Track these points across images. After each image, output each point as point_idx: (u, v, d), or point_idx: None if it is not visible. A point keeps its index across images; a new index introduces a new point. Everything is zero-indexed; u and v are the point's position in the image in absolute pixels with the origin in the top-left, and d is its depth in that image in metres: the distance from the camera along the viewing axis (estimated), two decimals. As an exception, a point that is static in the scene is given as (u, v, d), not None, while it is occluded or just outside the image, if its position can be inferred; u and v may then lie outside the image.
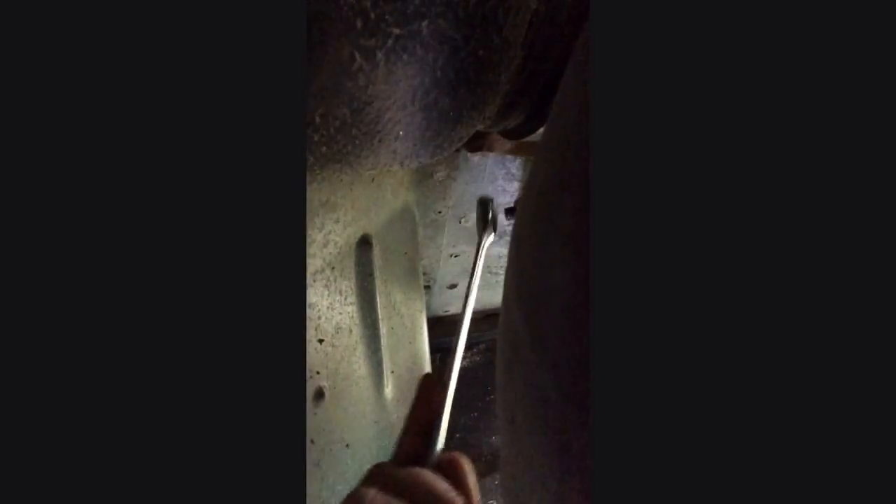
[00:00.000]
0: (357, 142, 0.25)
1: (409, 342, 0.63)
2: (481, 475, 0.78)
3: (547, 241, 0.20)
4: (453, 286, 0.87)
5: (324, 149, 0.24)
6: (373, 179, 0.52)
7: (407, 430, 0.34)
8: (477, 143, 0.59)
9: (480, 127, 0.36)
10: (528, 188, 0.24)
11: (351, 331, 0.52)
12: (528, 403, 0.21)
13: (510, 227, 0.69)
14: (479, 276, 0.50)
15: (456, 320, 0.99)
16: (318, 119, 0.23)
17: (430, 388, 0.36)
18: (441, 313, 0.95)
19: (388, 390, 0.59)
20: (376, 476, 0.30)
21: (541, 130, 0.40)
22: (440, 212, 0.70)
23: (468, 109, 0.30)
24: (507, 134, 0.40)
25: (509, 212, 0.63)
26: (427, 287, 0.83)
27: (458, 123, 0.30)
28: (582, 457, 0.18)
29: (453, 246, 0.77)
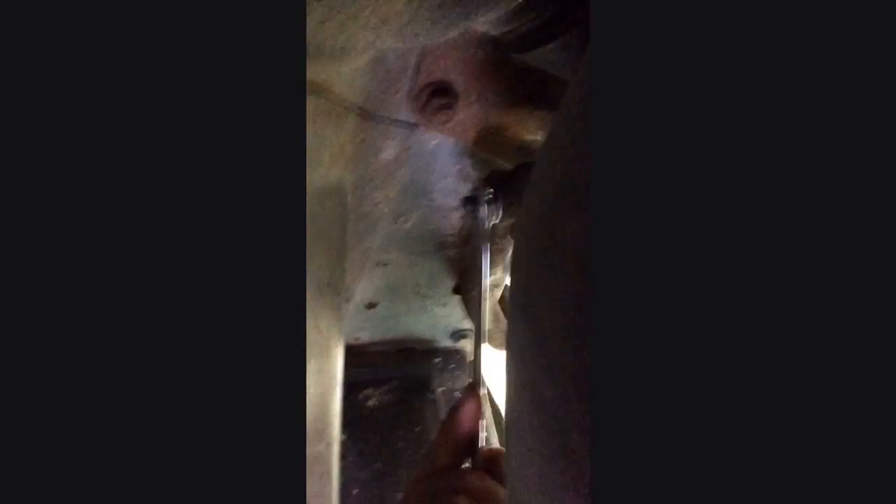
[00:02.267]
0: None
1: (321, 354, 0.49)
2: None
3: (550, 258, 0.20)
4: (372, 306, 0.74)
5: None
6: (314, 121, 0.40)
7: (441, 444, 0.38)
8: (441, 116, 0.50)
9: (485, 27, 0.28)
10: (527, 205, 0.24)
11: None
12: (528, 407, 0.21)
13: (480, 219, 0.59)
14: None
15: (366, 352, 0.83)
16: None
17: (468, 401, 0.40)
18: (351, 341, 0.80)
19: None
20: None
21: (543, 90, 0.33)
22: (378, 203, 0.59)
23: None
24: (510, 45, 0.33)
25: (469, 201, 0.54)
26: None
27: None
28: (588, 475, 0.18)
29: (384, 251, 0.65)
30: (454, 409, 0.39)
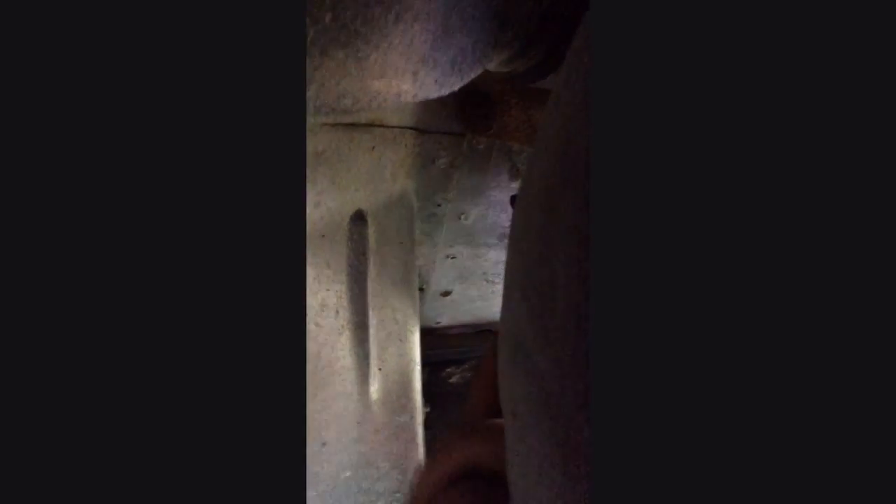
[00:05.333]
0: (369, 15, 0.20)
1: (400, 339, 0.58)
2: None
3: (550, 236, 0.20)
4: (447, 293, 0.82)
5: (328, 16, 0.20)
6: (373, 148, 0.48)
7: (474, 403, 0.37)
8: (485, 124, 0.56)
9: (492, 66, 0.33)
10: (526, 183, 0.24)
11: (338, 312, 0.46)
12: (530, 397, 0.21)
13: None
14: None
15: (447, 335, 0.91)
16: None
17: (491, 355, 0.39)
18: (432, 324, 0.89)
19: (374, 389, 0.53)
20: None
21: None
22: (439, 205, 0.66)
23: (492, 19, 0.26)
24: (516, 78, 0.37)
25: (515, 200, 0.59)
26: (420, 290, 0.77)
27: (482, 31, 0.26)
28: (585, 449, 0.18)
29: (450, 246, 0.72)
30: (479, 365, 0.39)
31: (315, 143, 0.37)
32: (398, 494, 0.55)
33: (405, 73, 0.25)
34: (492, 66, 0.32)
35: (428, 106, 0.53)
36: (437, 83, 0.27)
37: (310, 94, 0.25)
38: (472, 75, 0.30)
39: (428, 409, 0.72)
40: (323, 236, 0.43)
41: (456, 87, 0.31)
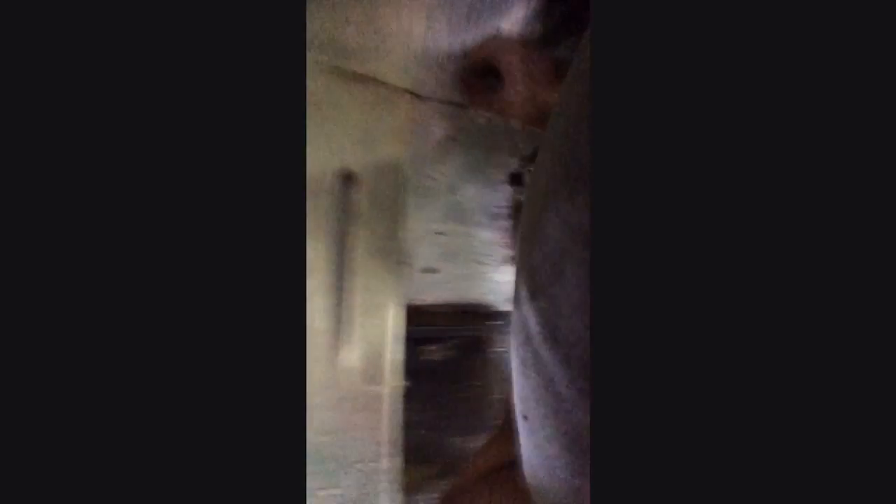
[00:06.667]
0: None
1: (377, 309, 0.56)
2: (438, 477, 0.70)
3: (558, 238, 0.20)
4: (433, 271, 0.81)
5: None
6: (370, 107, 0.46)
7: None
8: (488, 97, 0.54)
9: (507, 24, 0.31)
10: (532, 185, 0.24)
11: (313, 272, 0.45)
12: (541, 399, 0.21)
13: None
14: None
15: (430, 312, 0.90)
16: None
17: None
18: (415, 300, 0.88)
19: (346, 357, 0.51)
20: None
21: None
22: (434, 178, 0.64)
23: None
24: (530, 44, 0.35)
25: (514, 178, 0.58)
26: (404, 263, 0.76)
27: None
28: (593, 449, 0.18)
29: (441, 222, 0.71)
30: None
31: (311, 89, 0.35)
32: (372, 464, 0.54)
33: (419, 12, 0.23)
34: (507, 24, 0.30)
35: (430, 71, 0.50)
36: (449, 30, 0.26)
37: (314, 27, 0.23)
38: (486, 31, 0.28)
39: (408, 384, 0.71)
40: (309, 190, 0.41)
41: (467, 42, 0.29)
